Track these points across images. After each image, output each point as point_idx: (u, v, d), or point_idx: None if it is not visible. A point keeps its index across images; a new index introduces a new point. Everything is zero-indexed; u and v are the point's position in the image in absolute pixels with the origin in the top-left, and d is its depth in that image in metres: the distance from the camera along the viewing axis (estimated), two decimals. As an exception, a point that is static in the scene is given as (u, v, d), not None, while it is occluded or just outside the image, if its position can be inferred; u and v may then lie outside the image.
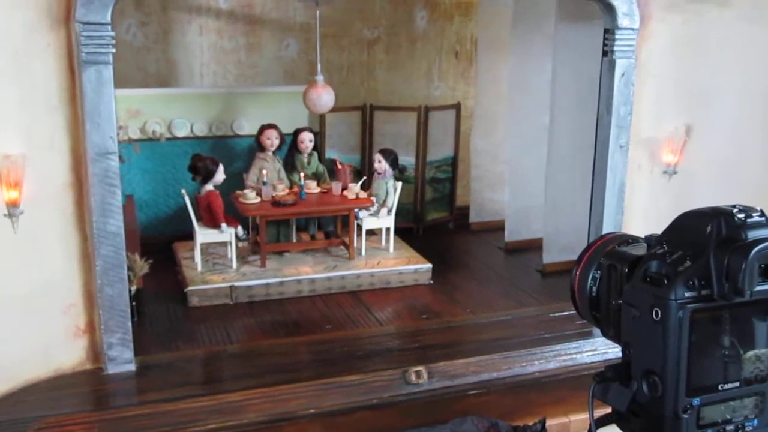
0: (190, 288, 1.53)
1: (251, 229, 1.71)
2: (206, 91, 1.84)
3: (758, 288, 0.58)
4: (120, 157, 1.71)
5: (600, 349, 1.42)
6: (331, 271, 1.62)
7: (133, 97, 1.72)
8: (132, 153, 1.72)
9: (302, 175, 1.69)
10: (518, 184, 1.83)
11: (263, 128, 1.68)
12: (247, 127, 1.82)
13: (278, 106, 1.79)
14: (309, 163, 1.77)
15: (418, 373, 1.22)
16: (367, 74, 2.06)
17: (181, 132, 1.79)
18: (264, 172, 1.67)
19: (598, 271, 0.68)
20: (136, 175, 1.76)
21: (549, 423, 1.29)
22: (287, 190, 1.69)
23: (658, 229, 1.41)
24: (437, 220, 2.08)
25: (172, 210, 1.76)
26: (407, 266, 1.67)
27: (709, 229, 0.58)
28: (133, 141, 1.73)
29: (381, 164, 1.76)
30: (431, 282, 1.68)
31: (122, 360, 1.25)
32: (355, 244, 1.72)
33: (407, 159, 2.00)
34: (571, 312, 1.53)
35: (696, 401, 0.58)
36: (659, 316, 0.57)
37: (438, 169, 2.07)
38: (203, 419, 1.12)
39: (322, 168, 1.82)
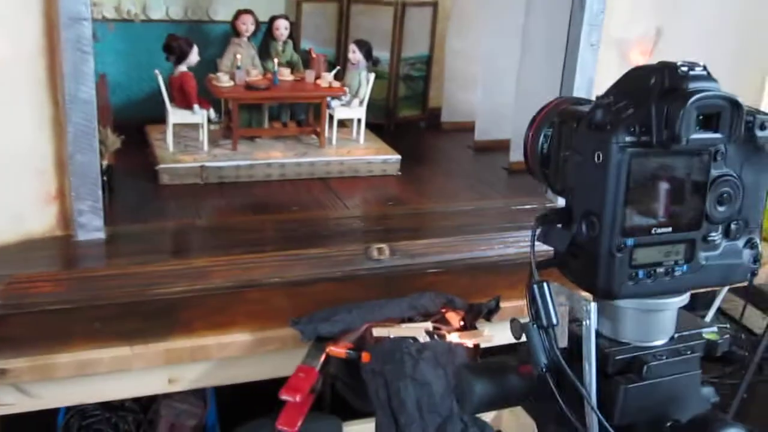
0: (161, 166, 1.54)
1: (224, 114, 1.71)
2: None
3: (694, 136, 0.61)
4: (93, 35, 1.71)
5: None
6: (301, 157, 1.64)
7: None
8: (106, 32, 1.70)
9: (276, 61, 1.69)
10: (490, 84, 1.84)
11: (239, 13, 1.67)
12: (223, 12, 1.80)
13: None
14: (284, 51, 1.76)
15: (380, 250, 1.26)
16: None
17: (156, 14, 1.77)
18: (238, 57, 1.66)
19: (550, 129, 0.70)
20: (110, 56, 1.74)
21: (504, 305, 1.33)
22: (261, 76, 1.68)
23: None
24: (409, 117, 2.08)
25: (145, 93, 1.76)
26: (376, 156, 1.69)
27: (653, 80, 0.61)
28: (108, 20, 1.71)
29: (355, 55, 1.75)
30: (399, 173, 1.71)
31: (92, 227, 1.27)
32: (326, 133, 1.73)
33: (382, 54, 1.98)
34: (534, 205, 1.57)
35: (630, 242, 0.61)
36: (601, 159, 0.60)
37: (412, 66, 2.06)
38: (170, 282, 1.15)
39: (296, 57, 1.81)
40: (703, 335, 0.69)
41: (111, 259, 1.22)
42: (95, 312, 1.10)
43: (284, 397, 1.14)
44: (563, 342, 0.66)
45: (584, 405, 0.62)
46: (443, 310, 1.25)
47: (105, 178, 1.48)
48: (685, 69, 0.62)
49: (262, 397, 1.99)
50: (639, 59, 1.54)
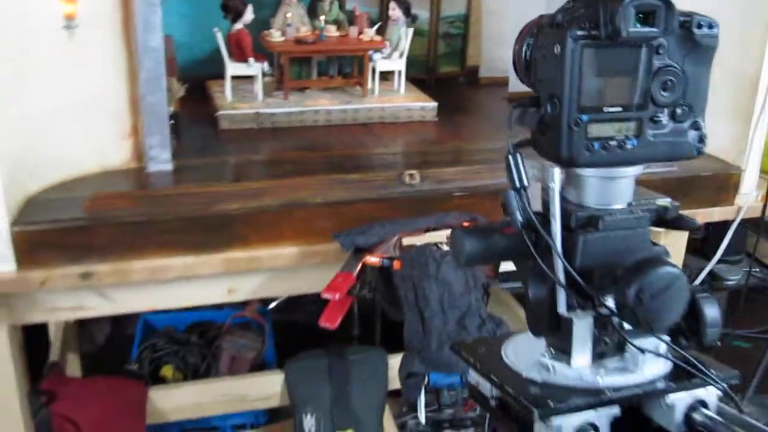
0: (220, 112, 1.72)
1: (276, 67, 1.88)
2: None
3: (633, 30, 0.74)
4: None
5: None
6: (346, 105, 1.80)
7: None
8: (170, -4, 1.90)
9: (323, 19, 1.85)
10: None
11: None
12: None
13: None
14: (330, 10, 1.92)
15: (411, 176, 1.41)
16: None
17: None
18: (288, 15, 1.83)
19: (531, 38, 0.85)
20: (174, 19, 1.92)
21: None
22: (309, 33, 1.85)
23: None
24: (449, 73, 2.23)
25: (206, 52, 1.94)
26: (415, 103, 1.84)
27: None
28: (171, -16, 1.90)
29: (395, 11, 1.90)
30: (436, 119, 1.85)
31: (161, 160, 1.45)
32: (369, 84, 1.89)
33: (421, 12, 2.14)
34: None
35: (585, 117, 0.75)
36: (559, 50, 0.74)
37: (451, 24, 2.20)
38: (228, 201, 1.32)
39: (342, 15, 1.97)
40: (656, 202, 0.83)
41: (178, 183, 1.41)
42: (164, 225, 1.29)
43: (325, 295, 1.31)
44: (537, 206, 0.81)
45: (553, 255, 0.77)
46: (466, 224, 1.39)
47: (171, 122, 1.67)
48: (625, -24, 0.76)
49: (314, 335, 2.18)
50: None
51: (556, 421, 0.74)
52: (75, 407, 1.85)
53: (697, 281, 1.78)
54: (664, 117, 0.78)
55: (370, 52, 1.84)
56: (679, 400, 0.78)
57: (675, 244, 1.65)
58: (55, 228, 1.23)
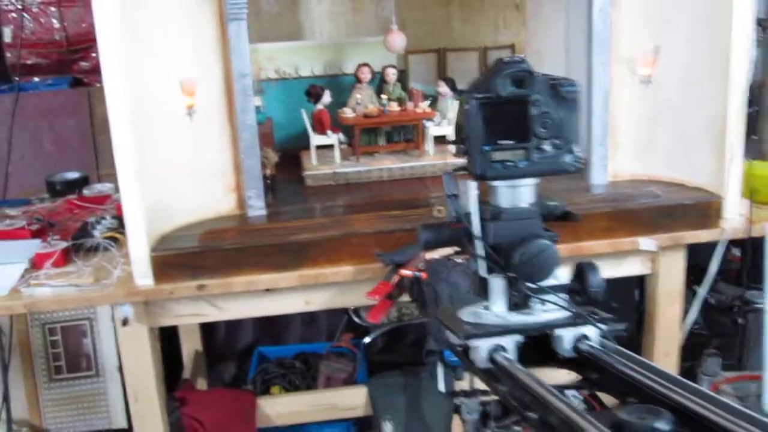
0: (305, 173, 2.22)
1: (352, 138, 2.37)
2: (322, 43, 2.53)
3: (508, 91, 1.16)
4: (261, 90, 2.47)
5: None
6: (405, 163, 2.26)
7: (270, 48, 2.44)
8: (270, 88, 2.45)
9: (385, 97, 2.33)
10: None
11: (359, 66, 2.33)
12: (351, 67, 2.48)
13: (374, 52, 2.42)
14: (393, 90, 2.40)
15: (439, 210, 1.84)
16: (445, 26, 2.66)
17: (305, 72, 2.48)
18: (358, 96, 2.32)
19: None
20: (274, 104, 2.45)
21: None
22: (375, 109, 2.34)
23: (639, 126, 1.92)
24: None
25: (299, 130, 2.44)
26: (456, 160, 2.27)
27: (495, 65, 1.18)
28: (270, 79, 2.46)
29: (442, 88, 2.35)
30: (478, 172, 2.27)
31: (257, 207, 1.93)
32: (424, 146, 2.34)
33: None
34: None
35: (487, 148, 1.18)
36: (467, 107, 1.18)
37: None
38: (301, 232, 1.79)
39: (403, 94, 2.43)
40: (548, 203, 1.23)
41: (271, 222, 1.91)
42: (255, 250, 1.78)
43: (368, 297, 1.74)
44: (467, 208, 1.23)
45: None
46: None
47: (268, 182, 2.19)
48: (508, 59, 1.19)
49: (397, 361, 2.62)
50: (645, 71, 2.03)
51: (476, 342, 1.15)
52: (200, 410, 2.35)
53: (695, 306, 2.06)
54: (546, 145, 1.20)
55: (424, 121, 2.31)
56: (567, 333, 1.16)
57: (673, 263, 1.99)
58: (179, 253, 1.74)
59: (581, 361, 1.16)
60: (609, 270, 1.99)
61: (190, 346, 2.84)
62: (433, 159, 2.30)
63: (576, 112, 1.22)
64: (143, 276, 1.73)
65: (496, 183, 1.21)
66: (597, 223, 1.85)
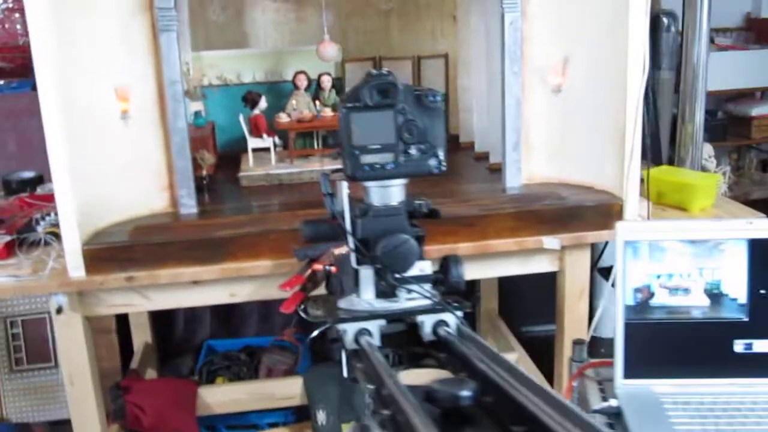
0: (241, 174, 2.36)
1: (288, 141, 2.50)
2: (264, 51, 2.67)
3: (377, 101, 1.30)
4: (203, 95, 2.60)
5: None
6: (334, 165, 2.40)
7: (214, 56, 2.58)
8: (213, 92, 2.59)
9: (318, 103, 2.47)
10: (480, 110, 2.52)
11: (296, 74, 2.47)
12: (291, 74, 2.61)
13: (313, 60, 2.55)
14: (328, 97, 2.54)
15: (353, 210, 1.99)
16: (384, 36, 2.80)
17: (247, 79, 2.62)
18: (294, 102, 2.45)
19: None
20: (217, 109, 2.58)
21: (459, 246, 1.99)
22: (310, 114, 2.47)
23: (552, 132, 2.06)
24: None
25: (241, 134, 2.57)
26: None
27: (365, 76, 1.32)
28: (213, 85, 2.59)
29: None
30: (406, 176, 2.41)
31: (189, 205, 2.04)
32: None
33: (406, 94, 2.73)
34: (489, 184, 2.22)
35: (357, 152, 1.31)
36: (341, 115, 1.32)
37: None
38: (223, 228, 1.94)
39: (338, 100, 2.58)
40: (414, 202, 1.37)
41: (202, 219, 2.04)
42: (180, 245, 1.91)
43: (280, 289, 1.87)
44: (341, 206, 1.36)
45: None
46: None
47: (204, 182, 2.32)
48: (375, 72, 1.33)
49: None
50: (555, 80, 2.17)
51: (343, 326, 1.28)
52: (143, 397, 2.48)
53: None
54: (412, 150, 1.34)
55: (356, 126, 2.44)
56: (428, 319, 1.30)
57: (579, 261, 2.13)
58: (109, 247, 1.87)
59: (440, 344, 1.29)
60: (519, 267, 2.13)
61: (140, 338, 2.98)
62: (364, 162, 2.43)
63: (440, 120, 1.36)
64: (76, 268, 1.86)
65: (366, 183, 1.35)
66: (503, 223, 1.99)
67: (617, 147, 2.02)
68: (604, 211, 2.01)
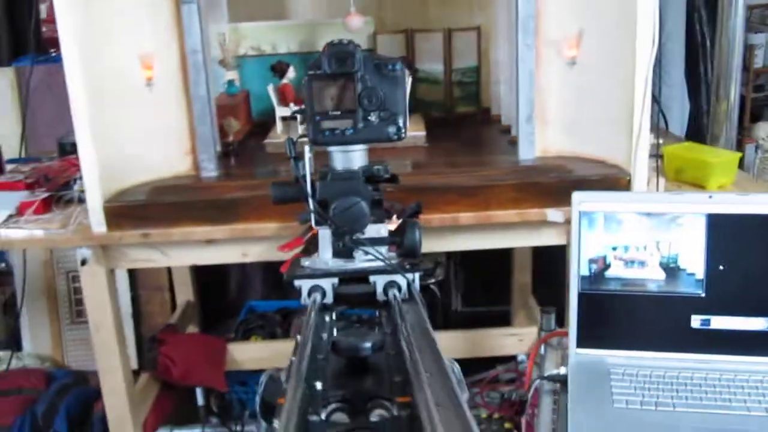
0: (267, 140, 2.45)
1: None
2: (299, 22, 2.73)
3: (336, 69, 1.34)
4: (237, 64, 2.69)
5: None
6: (357, 134, 2.44)
7: (250, 27, 2.66)
8: (248, 62, 2.68)
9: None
10: (506, 83, 2.52)
11: (326, 45, 2.54)
12: (322, 45, 2.67)
13: (344, 32, 2.62)
14: (357, 66, 2.58)
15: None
16: (422, 8, 2.81)
17: (282, 49, 2.70)
18: (323, 72, 2.52)
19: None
20: (254, 78, 2.67)
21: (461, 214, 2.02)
22: (339, 85, 2.52)
23: (566, 105, 2.05)
24: (466, 113, 2.77)
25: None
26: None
27: (326, 47, 1.36)
28: (249, 56, 2.68)
29: (399, 66, 2.53)
30: (426, 144, 2.43)
31: (209, 169, 2.14)
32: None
33: (436, 67, 2.74)
34: (507, 156, 2.22)
35: (318, 118, 1.35)
36: (304, 82, 1.37)
37: (464, 74, 2.75)
38: (234, 191, 2.02)
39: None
40: (373, 167, 1.41)
41: (223, 181, 2.13)
42: (192, 205, 2.02)
43: (279, 250, 1.94)
44: (306, 170, 1.42)
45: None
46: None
47: (230, 147, 2.42)
48: (336, 41, 1.36)
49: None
50: (569, 53, 2.15)
51: (298, 282, 1.35)
52: (175, 350, 2.63)
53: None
54: (372, 117, 1.38)
55: (381, 96, 2.48)
56: (379, 279, 1.35)
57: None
58: (127, 205, 1.99)
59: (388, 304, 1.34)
60: (525, 239, 2.14)
61: (183, 296, 3.13)
62: (388, 132, 2.47)
63: (400, 88, 1.39)
64: (98, 224, 1.99)
65: (328, 148, 1.40)
66: (505, 194, 2.00)
67: (627, 121, 1.99)
68: (610, 186, 1.99)
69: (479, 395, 2.66)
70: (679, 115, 3.70)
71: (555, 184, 1.99)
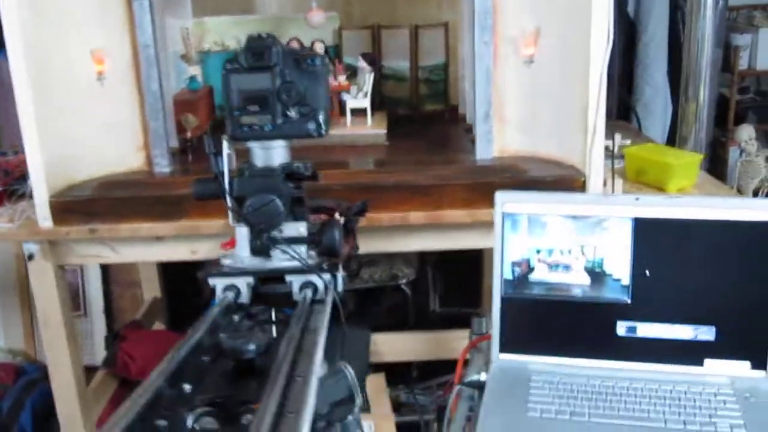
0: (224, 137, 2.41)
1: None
2: (264, 17, 2.69)
3: (252, 64, 1.30)
4: (199, 59, 2.65)
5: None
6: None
7: (214, 22, 2.62)
8: (212, 57, 2.64)
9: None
10: (469, 81, 2.47)
11: (289, 40, 2.48)
12: (285, 39, 2.63)
13: (307, 28, 2.58)
14: (320, 65, 2.54)
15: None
16: (390, 4, 2.77)
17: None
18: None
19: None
20: (216, 73, 2.65)
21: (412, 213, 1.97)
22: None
23: (524, 104, 2.00)
24: (433, 111, 2.71)
25: None
26: (367, 131, 2.39)
27: (246, 41, 1.32)
28: (210, 51, 2.65)
29: (361, 62, 2.47)
30: (387, 143, 2.38)
31: (162, 165, 2.08)
32: (339, 119, 2.47)
33: (403, 64, 2.69)
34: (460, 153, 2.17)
35: (237, 113, 1.31)
36: (222, 77, 1.32)
37: (431, 72, 2.70)
38: (182, 187, 1.99)
39: (331, 67, 2.58)
40: (293, 164, 1.36)
41: (173, 177, 2.10)
42: (139, 201, 1.98)
43: (221, 249, 1.90)
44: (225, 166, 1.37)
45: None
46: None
47: (188, 143, 2.38)
48: (255, 35, 1.32)
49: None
50: (527, 51, 2.10)
51: (212, 280, 1.31)
52: (136, 347, 2.60)
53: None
54: (291, 112, 1.33)
55: (342, 93, 2.44)
56: (295, 279, 1.31)
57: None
58: (73, 200, 1.95)
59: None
60: (477, 240, 2.09)
61: (150, 292, 3.10)
62: (350, 129, 2.44)
63: (320, 84, 1.35)
64: (44, 218, 1.96)
65: (248, 144, 1.36)
66: (457, 194, 1.96)
67: (582, 122, 1.94)
68: (565, 187, 1.94)
69: (442, 398, 2.62)
70: (662, 117, 3.65)
71: (508, 184, 1.94)
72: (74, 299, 3.31)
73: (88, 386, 2.37)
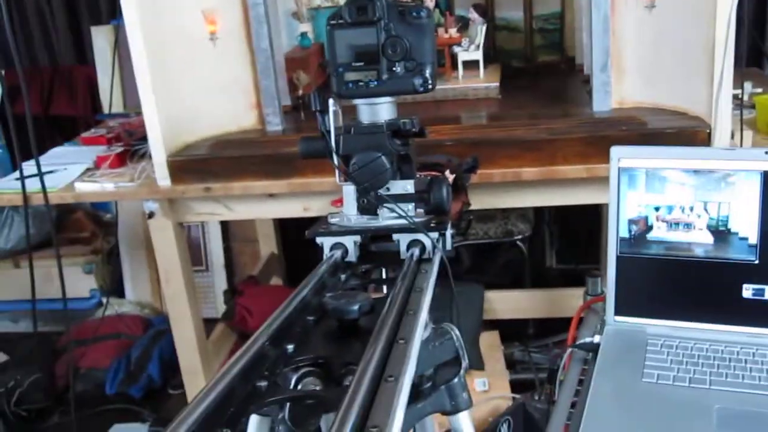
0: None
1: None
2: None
3: (354, 18, 1.27)
4: (310, 16, 2.65)
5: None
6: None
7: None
8: (320, 13, 2.64)
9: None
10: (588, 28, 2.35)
11: None
12: None
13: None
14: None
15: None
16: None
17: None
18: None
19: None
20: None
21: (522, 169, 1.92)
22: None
23: (644, 52, 1.91)
24: (549, 62, 2.62)
25: None
26: (479, 84, 2.33)
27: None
28: (321, 7, 2.64)
29: (473, 14, 2.40)
30: (499, 96, 2.32)
31: (274, 123, 2.13)
32: (452, 72, 2.42)
33: (516, 14, 2.59)
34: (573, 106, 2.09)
35: (341, 69, 1.30)
36: (326, 33, 1.31)
37: (546, 21, 2.60)
38: (294, 145, 2.01)
39: (441, 20, 2.52)
40: (399, 121, 1.34)
41: (285, 135, 2.13)
42: (252, 159, 2.02)
43: (332, 206, 1.91)
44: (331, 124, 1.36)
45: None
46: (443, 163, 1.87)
47: (300, 101, 2.40)
48: (349, -2, 1.29)
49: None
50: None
51: (320, 239, 1.32)
52: (253, 301, 2.68)
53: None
54: (397, 67, 1.31)
55: (454, 46, 2.38)
56: (402, 237, 1.30)
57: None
58: (189, 159, 2.02)
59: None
60: (595, 195, 2.02)
61: (267, 248, 3.18)
62: (462, 83, 2.39)
63: (427, 37, 1.32)
64: (163, 178, 2.03)
65: (354, 101, 1.35)
66: (572, 148, 1.89)
67: (708, 69, 1.82)
68: (687, 140, 1.84)
69: (558, 357, 2.57)
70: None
71: (625, 137, 1.85)
72: (196, 254, 3.45)
73: (209, 338, 2.46)
